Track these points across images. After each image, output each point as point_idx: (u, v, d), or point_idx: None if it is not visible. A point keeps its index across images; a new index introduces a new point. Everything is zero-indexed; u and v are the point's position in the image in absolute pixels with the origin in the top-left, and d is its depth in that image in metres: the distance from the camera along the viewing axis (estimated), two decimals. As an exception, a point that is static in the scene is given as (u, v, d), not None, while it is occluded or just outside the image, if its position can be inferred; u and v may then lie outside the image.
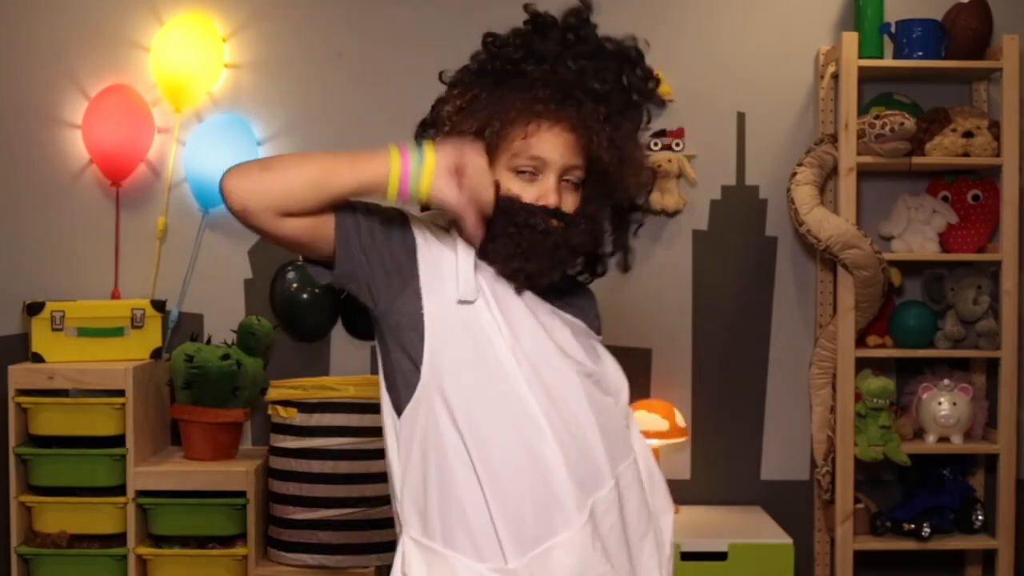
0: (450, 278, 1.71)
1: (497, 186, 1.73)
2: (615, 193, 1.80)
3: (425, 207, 1.81)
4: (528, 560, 1.67)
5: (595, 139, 1.73)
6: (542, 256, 1.73)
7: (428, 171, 1.64)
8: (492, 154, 1.73)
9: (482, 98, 1.76)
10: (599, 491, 1.72)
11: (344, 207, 1.69)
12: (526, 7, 1.81)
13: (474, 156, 1.67)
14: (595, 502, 1.71)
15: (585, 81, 1.75)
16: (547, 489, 1.68)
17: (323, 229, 1.67)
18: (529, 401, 1.69)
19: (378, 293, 1.72)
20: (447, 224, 1.78)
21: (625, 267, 1.89)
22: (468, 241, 1.73)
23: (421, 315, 1.70)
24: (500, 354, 1.70)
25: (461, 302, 1.70)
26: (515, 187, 1.74)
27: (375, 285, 1.71)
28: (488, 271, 1.76)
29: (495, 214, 1.72)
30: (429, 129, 1.81)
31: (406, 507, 1.74)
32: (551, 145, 1.73)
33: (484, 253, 1.75)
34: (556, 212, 1.74)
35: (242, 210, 1.61)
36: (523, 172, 1.74)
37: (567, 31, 1.77)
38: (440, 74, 1.84)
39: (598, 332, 1.94)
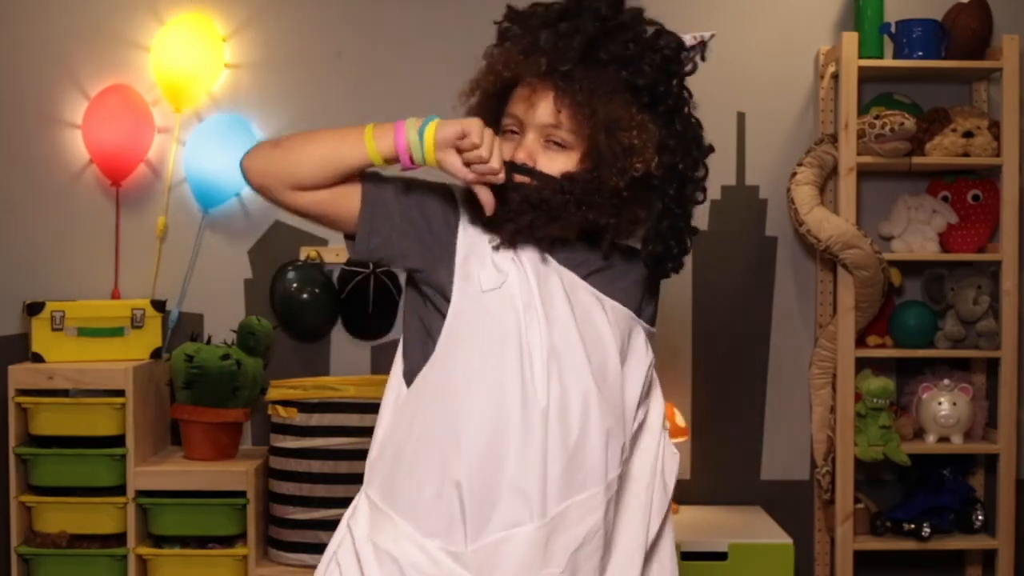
0: (482, 265, 1.72)
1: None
2: (594, 152, 1.70)
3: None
4: (477, 547, 1.65)
5: (550, 95, 1.70)
6: (502, 212, 1.70)
7: (429, 142, 1.65)
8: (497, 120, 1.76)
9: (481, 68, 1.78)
10: (578, 495, 1.69)
11: (375, 180, 1.72)
12: None
13: (471, 126, 1.64)
14: (570, 506, 1.68)
15: (544, 40, 1.71)
16: (520, 483, 1.65)
17: (347, 200, 1.70)
18: (533, 398, 1.66)
19: (414, 262, 1.74)
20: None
21: (672, 263, 1.81)
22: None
23: (449, 295, 1.71)
24: (526, 343, 1.68)
25: (486, 291, 1.70)
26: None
27: (412, 254, 1.73)
28: (532, 252, 1.74)
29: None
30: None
31: (376, 467, 1.75)
32: (525, 103, 1.73)
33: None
34: (517, 166, 1.71)
35: (260, 188, 1.71)
36: (508, 132, 1.75)
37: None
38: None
39: (650, 322, 1.88)
